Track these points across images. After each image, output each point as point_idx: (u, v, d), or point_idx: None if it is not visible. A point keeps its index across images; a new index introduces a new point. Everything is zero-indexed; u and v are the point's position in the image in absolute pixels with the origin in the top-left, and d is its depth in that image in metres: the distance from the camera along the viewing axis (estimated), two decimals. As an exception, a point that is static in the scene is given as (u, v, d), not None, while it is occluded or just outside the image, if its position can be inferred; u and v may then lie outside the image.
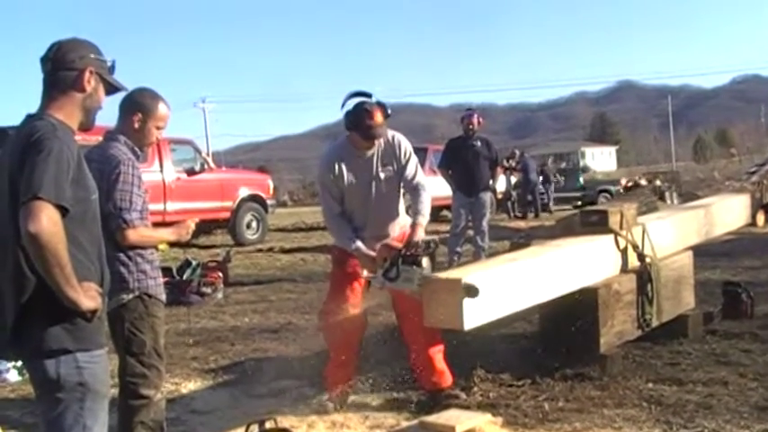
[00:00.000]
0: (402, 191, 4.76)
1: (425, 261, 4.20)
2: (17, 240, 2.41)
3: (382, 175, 4.64)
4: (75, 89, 2.62)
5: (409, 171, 4.67)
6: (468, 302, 3.84)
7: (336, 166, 4.61)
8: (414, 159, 4.71)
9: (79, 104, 2.64)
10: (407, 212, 4.80)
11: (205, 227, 14.30)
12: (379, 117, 4.48)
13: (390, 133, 4.67)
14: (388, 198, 4.71)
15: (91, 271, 2.56)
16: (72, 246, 2.43)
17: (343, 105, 4.58)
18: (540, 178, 24.76)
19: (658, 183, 29.21)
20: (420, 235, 4.45)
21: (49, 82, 2.64)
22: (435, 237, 4.57)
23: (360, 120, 4.48)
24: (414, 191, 4.68)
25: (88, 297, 2.46)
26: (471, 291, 3.82)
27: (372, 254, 4.51)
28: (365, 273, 4.52)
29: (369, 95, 4.62)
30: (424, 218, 4.58)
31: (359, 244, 4.54)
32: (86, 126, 2.68)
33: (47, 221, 2.32)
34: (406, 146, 4.69)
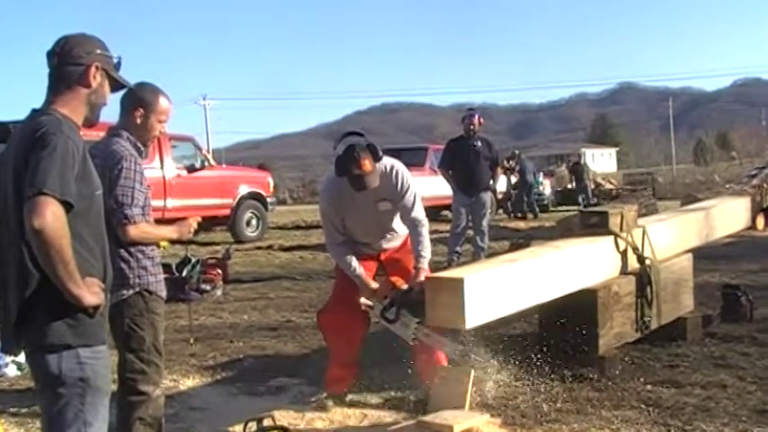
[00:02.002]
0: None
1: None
2: (21, 235, 2.42)
3: (381, 208, 4.63)
4: (80, 84, 2.63)
5: (407, 201, 4.60)
6: (469, 302, 3.85)
7: (336, 201, 4.62)
8: (412, 189, 4.62)
9: (84, 100, 2.64)
10: None
11: (205, 224, 14.26)
12: (367, 165, 4.37)
13: (389, 163, 4.60)
14: (389, 222, 4.72)
15: (94, 267, 2.57)
16: (75, 241, 2.43)
17: (335, 147, 4.49)
18: (573, 178, 26.34)
19: (610, 186, 29.03)
20: (422, 279, 4.40)
21: (54, 76, 2.64)
22: None
23: (348, 169, 4.39)
24: (412, 226, 4.63)
25: (91, 293, 2.47)
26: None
27: (374, 285, 4.54)
28: (363, 300, 4.49)
29: (362, 135, 4.55)
30: (426, 260, 4.56)
31: (360, 272, 4.58)
32: (91, 122, 2.69)
33: (51, 217, 2.32)
34: (403, 175, 4.60)
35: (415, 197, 4.62)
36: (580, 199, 24.96)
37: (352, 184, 4.45)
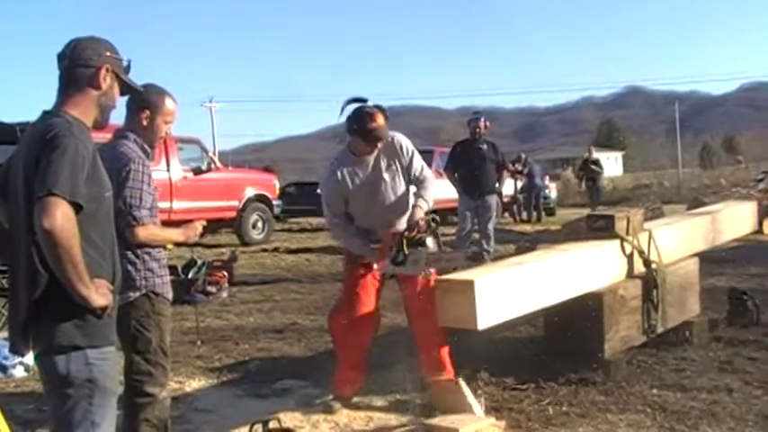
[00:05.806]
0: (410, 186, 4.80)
1: (430, 240, 4.31)
2: (31, 236, 2.43)
3: (387, 177, 4.68)
4: (91, 86, 2.65)
5: (416, 167, 4.73)
6: (480, 303, 3.87)
7: (340, 176, 4.64)
8: (417, 155, 4.76)
9: (95, 102, 2.66)
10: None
11: (211, 226, 14.30)
12: (380, 119, 4.54)
13: (389, 134, 4.69)
14: (396, 196, 4.75)
15: (103, 268, 2.58)
16: (85, 243, 2.44)
17: (342, 111, 4.64)
18: (582, 177, 24.26)
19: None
20: (419, 215, 4.51)
21: (65, 79, 2.66)
22: (435, 215, 4.58)
23: (362, 123, 4.53)
24: (420, 183, 4.75)
25: (100, 294, 2.48)
26: None
27: (377, 246, 4.57)
28: (375, 266, 4.54)
29: (365, 100, 4.66)
30: (426, 202, 4.64)
31: (362, 239, 4.64)
32: (101, 124, 2.71)
33: (61, 218, 2.34)
34: (406, 143, 4.73)
35: (421, 160, 4.78)
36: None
37: (367, 138, 4.54)
